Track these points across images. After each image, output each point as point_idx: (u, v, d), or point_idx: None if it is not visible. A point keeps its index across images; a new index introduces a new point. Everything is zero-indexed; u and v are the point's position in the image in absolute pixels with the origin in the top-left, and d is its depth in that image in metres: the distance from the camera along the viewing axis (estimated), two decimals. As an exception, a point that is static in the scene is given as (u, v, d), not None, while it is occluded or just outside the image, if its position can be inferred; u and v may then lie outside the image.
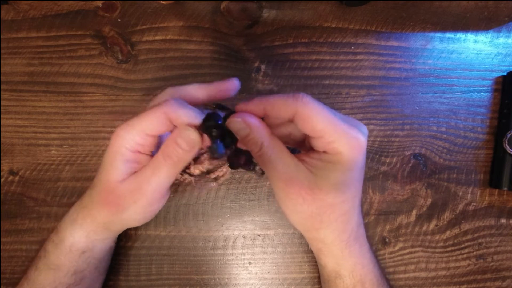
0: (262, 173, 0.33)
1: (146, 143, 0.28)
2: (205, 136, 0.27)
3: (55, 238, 0.31)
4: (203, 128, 0.26)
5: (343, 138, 0.26)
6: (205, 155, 0.33)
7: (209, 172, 0.35)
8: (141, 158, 0.29)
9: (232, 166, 0.30)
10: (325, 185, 0.26)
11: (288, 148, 0.28)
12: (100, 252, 0.32)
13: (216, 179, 0.36)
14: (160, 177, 0.28)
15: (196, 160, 0.32)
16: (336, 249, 0.29)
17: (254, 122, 0.27)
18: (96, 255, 0.32)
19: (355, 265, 0.29)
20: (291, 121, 0.27)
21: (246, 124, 0.26)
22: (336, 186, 0.27)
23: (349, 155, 0.26)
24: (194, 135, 0.26)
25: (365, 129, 0.27)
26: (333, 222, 0.28)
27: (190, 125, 0.27)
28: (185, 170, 0.32)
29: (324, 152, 0.27)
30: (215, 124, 0.26)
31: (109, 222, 0.30)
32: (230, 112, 0.28)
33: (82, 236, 0.30)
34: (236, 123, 0.27)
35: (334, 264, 0.30)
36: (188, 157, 0.27)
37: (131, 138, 0.27)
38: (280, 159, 0.27)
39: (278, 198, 0.29)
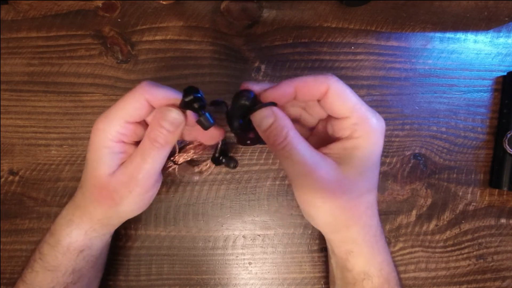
0: (234, 166, 0.32)
1: (128, 132, 0.28)
2: (189, 112, 0.27)
3: (50, 240, 0.30)
4: (184, 105, 0.26)
5: (369, 120, 0.26)
6: (190, 145, 0.33)
7: (193, 164, 0.35)
8: (126, 148, 0.28)
9: (241, 142, 0.29)
10: (351, 172, 0.26)
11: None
12: (98, 249, 0.32)
13: (200, 172, 0.35)
14: (150, 163, 0.27)
15: (181, 149, 0.32)
16: (367, 246, 0.28)
17: (279, 110, 0.26)
18: (94, 253, 0.31)
19: (383, 263, 0.29)
20: (318, 100, 0.26)
21: (272, 112, 0.26)
22: (362, 172, 0.26)
23: (373, 136, 0.26)
24: (177, 115, 0.26)
25: None
26: (363, 216, 0.27)
27: (171, 105, 0.26)
28: (170, 158, 0.32)
29: (347, 137, 0.26)
30: (195, 98, 0.26)
31: (106, 218, 0.30)
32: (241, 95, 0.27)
33: (80, 235, 0.30)
34: (262, 110, 0.26)
35: (364, 264, 0.28)
36: (175, 137, 0.27)
37: (112, 129, 0.27)
38: (305, 151, 0.26)
39: (302, 201, 0.27)
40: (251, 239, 0.38)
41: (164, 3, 0.38)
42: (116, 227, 0.33)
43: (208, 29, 0.38)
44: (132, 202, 0.29)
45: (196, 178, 0.36)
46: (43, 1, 0.38)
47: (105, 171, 0.28)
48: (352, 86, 0.38)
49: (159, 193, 0.37)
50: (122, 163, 0.28)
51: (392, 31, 0.39)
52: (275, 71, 0.38)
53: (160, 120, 0.26)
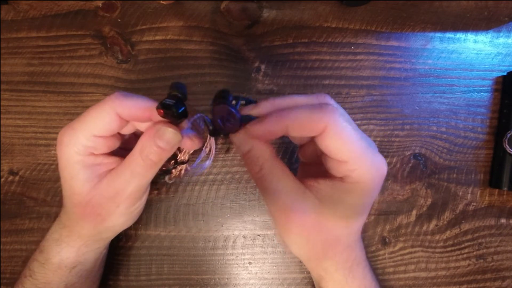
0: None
1: (97, 145, 0.25)
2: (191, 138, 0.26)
3: (40, 258, 0.29)
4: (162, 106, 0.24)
5: (368, 166, 0.23)
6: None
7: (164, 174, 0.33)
8: (100, 159, 0.26)
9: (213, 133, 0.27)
10: (332, 215, 0.24)
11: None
12: (92, 262, 0.31)
13: (176, 177, 0.34)
14: (140, 179, 0.26)
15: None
16: (339, 276, 0.27)
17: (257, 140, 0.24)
18: (88, 267, 0.30)
19: (359, 287, 0.28)
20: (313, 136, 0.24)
21: (248, 139, 0.24)
22: (345, 217, 0.25)
23: (369, 184, 0.23)
24: (174, 135, 0.24)
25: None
26: (338, 254, 0.26)
27: (164, 122, 0.24)
28: (177, 161, 0.31)
29: (340, 179, 0.24)
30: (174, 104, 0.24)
31: (97, 233, 0.28)
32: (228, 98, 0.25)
33: (72, 253, 0.28)
34: (239, 135, 0.24)
35: None
36: (170, 154, 0.26)
37: (77, 142, 0.25)
38: (282, 185, 0.24)
39: (278, 229, 0.26)
40: (251, 239, 0.38)
41: (164, 3, 0.38)
42: (110, 239, 0.32)
43: (208, 29, 0.38)
44: (120, 215, 0.27)
45: (208, 163, 0.33)
46: (43, 1, 0.38)
47: (83, 187, 0.26)
48: (352, 86, 0.39)
49: (159, 193, 0.38)
50: (104, 175, 0.26)
51: (392, 31, 0.39)
52: (275, 71, 0.38)
53: (156, 138, 0.24)
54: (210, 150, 0.32)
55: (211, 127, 0.26)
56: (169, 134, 0.24)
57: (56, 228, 0.29)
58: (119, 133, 0.28)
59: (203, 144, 0.31)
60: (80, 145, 0.25)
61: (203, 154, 0.32)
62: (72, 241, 0.28)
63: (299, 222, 0.24)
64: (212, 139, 0.31)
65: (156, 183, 0.38)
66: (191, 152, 0.31)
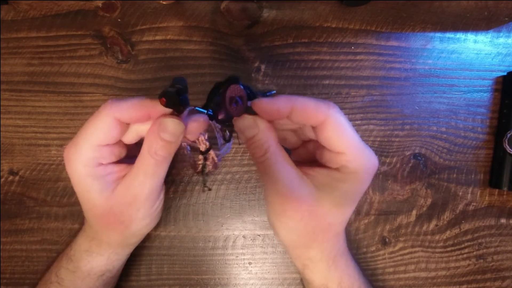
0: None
1: (104, 154, 0.26)
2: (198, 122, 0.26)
3: (69, 266, 0.30)
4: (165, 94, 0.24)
5: (363, 158, 0.25)
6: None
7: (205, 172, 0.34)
8: (110, 168, 0.27)
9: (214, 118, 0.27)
10: (327, 202, 0.25)
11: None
12: (118, 269, 0.32)
13: (213, 167, 0.34)
14: (155, 178, 0.26)
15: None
16: (323, 265, 0.29)
17: (264, 123, 0.25)
18: (114, 274, 0.32)
19: (342, 277, 0.29)
20: (313, 127, 0.25)
21: (255, 123, 0.25)
22: (339, 205, 0.26)
23: (363, 175, 0.25)
24: (176, 124, 0.24)
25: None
26: (325, 242, 0.27)
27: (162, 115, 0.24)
28: (203, 152, 0.30)
29: (336, 169, 0.25)
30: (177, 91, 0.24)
31: (125, 239, 0.30)
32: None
33: (102, 261, 0.30)
34: (245, 119, 0.25)
35: (321, 278, 0.29)
36: (177, 146, 0.26)
37: (83, 156, 0.25)
38: (283, 170, 0.25)
39: (271, 213, 0.27)
40: (251, 239, 0.38)
41: (164, 3, 0.38)
42: (136, 244, 0.33)
43: (208, 29, 0.38)
44: (142, 218, 0.28)
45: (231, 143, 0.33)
46: (43, 1, 0.38)
47: (100, 198, 0.26)
48: (352, 86, 0.39)
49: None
50: (117, 182, 0.27)
51: (392, 31, 0.39)
52: (275, 71, 0.38)
53: (160, 132, 0.24)
54: (222, 132, 0.32)
55: (208, 113, 0.26)
56: (172, 124, 0.24)
57: (83, 240, 0.30)
58: (124, 143, 0.28)
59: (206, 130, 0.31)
60: (87, 158, 0.25)
61: (219, 135, 0.32)
62: (102, 249, 0.30)
63: (294, 206, 0.25)
64: (213, 122, 0.30)
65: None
66: (206, 139, 0.31)
